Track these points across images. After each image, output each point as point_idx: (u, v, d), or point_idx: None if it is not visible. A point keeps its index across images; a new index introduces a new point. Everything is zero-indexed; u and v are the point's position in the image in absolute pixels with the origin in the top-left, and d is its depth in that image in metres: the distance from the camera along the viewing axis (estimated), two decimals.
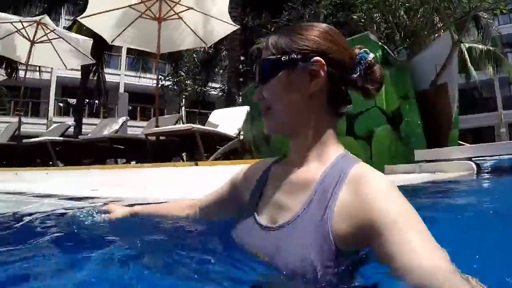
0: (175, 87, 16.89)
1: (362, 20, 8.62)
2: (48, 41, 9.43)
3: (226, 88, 13.82)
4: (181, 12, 7.68)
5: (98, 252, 1.08)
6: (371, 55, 1.07)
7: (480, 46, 17.65)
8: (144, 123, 21.65)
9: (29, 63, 9.75)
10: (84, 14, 7.81)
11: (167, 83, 17.14)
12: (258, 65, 1.11)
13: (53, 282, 0.92)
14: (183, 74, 16.97)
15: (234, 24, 7.80)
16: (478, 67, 18.51)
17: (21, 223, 1.76)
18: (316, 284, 0.86)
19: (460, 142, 6.60)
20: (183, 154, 7.54)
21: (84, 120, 18.43)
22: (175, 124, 7.02)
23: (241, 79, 12.38)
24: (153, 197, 2.43)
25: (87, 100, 23.20)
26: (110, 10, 7.69)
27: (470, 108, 27.10)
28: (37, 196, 3.40)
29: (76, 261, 1.03)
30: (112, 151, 8.23)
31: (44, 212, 2.09)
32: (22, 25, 8.99)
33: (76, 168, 6.00)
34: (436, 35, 9.67)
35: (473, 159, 4.75)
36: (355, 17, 8.72)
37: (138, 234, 1.36)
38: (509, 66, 19.78)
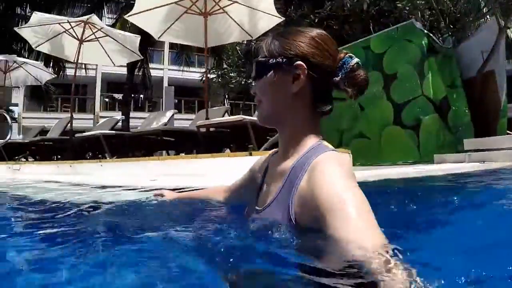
0: (220, 80, 17.10)
1: (407, 8, 8.49)
2: (96, 39, 9.68)
3: None
4: (226, 6, 7.78)
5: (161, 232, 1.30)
6: (355, 60, 1.18)
7: None
8: (189, 116, 22.21)
9: (78, 62, 10.04)
10: (131, 12, 8.03)
11: (212, 76, 17.36)
12: (253, 64, 1.27)
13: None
14: (227, 66, 17.15)
15: (280, 16, 7.83)
16: None
17: (98, 210, 1.95)
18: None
19: (509, 131, 6.45)
20: (231, 145, 7.70)
21: (130, 114, 18.94)
22: (223, 116, 7.18)
23: None
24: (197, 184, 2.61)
25: (133, 95, 23.79)
26: (156, 7, 7.89)
27: None
28: (98, 187, 3.63)
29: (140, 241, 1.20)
30: (162, 143, 8.49)
31: (111, 200, 2.31)
32: (70, 25, 9.24)
33: (130, 160, 6.25)
34: (482, 20, 9.42)
35: None
36: (399, 5, 8.60)
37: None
38: None
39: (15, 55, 12.20)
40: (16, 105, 24.69)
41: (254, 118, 5.64)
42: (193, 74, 24.57)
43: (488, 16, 8.74)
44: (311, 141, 1.18)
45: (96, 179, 4.61)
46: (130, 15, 8.11)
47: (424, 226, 1.38)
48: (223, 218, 1.51)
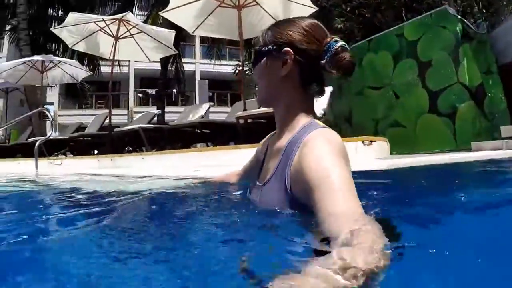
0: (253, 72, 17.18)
1: None
2: (131, 36, 9.88)
3: None
4: None
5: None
6: (339, 43, 1.27)
7: None
8: (222, 108, 22.41)
9: (114, 59, 10.29)
10: (167, 8, 8.25)
11: (245, 68, 17.50)
12: (252, 52, 1.45)
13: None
14: None
15: (313, 6, 7.85)
16: None
17: (147, 199, 2.08)
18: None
19: None
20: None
21: (165, 108, 19.30)
22: (258, 108, 7.30)
23: None
24: None
25: (167, 89, 24.16)
26: (190, 2, 8.04)
27: None
28: (146, 177, 3.84)
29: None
30: (198, 136, 8.68)
31: (158, 189, 2.50)
32: (105, 23, 9.48)
33: (170, 152, 6.45)
34: None
35: None
36: None
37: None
38: None
39: (51, 55, 12.66)
40: (52, 103, 25.36)
41: None
42: (225, 67, 24.92)
43: None
44: (304, 119, 1.31)
45: (138, 171, 4.83)
46: (165, 11, 8.32)
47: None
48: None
